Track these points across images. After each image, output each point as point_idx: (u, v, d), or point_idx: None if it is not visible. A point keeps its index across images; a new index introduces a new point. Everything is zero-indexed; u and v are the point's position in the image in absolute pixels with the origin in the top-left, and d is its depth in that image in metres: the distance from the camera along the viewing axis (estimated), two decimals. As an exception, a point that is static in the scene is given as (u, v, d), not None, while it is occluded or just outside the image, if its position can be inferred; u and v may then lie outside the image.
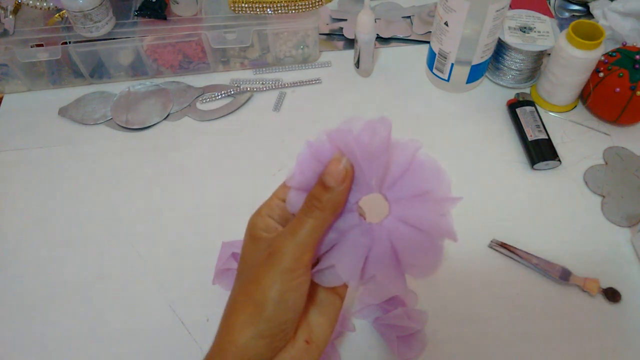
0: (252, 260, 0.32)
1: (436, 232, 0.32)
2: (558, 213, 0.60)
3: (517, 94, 0.68)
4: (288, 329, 0.31)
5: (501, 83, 0.71)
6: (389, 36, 0.78)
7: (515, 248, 0.56)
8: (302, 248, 0.30)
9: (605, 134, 0.66)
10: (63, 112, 0.70)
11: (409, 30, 0.79)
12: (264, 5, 0.66)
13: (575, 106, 0.69)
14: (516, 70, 0.69)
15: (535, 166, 0.62)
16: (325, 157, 0.30)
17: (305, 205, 0.30)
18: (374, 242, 0.32)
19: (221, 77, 0.74)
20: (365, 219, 0.33)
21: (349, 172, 0.30)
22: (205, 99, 0.71)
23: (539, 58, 0.68)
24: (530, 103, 0.67)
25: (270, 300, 0.29)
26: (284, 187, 0.34)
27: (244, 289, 0.31)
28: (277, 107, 0.71)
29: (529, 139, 0.63)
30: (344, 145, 0.30)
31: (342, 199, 0.30)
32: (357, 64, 0.72)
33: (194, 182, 0.64)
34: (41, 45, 0.67)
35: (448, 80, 0.70)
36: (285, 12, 0.67)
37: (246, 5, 0.66)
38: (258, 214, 0.33)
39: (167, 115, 0.70)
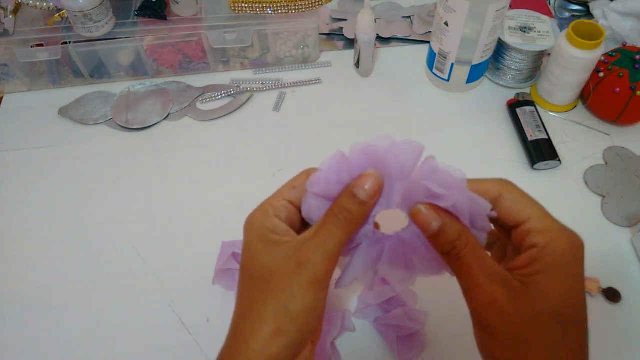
0: (270, 265, 0.31)
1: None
2: (558, 213, 0.58)
3: (517, 94, 0.68)
4: (311, 336, 0.31)
5: (501, 83, 0.71)
6: (389, 36, 0.78)
7: (515, 248, 0.56)
8: (331, 259, 0.30)
9: (605, 134, 0.66)
10: (63, 112, 0.70)
11: (409, 30, 0.79)
12: (264, 5, 0.66)
13: (575, 106, 0.69)
14: (516, 70, 0.69)
15: (535, 166, 0.62)
16: (356, 170, 0.30)
17: (333, 215, 0.30)
18: (385, 249, 0.32)
19: (221, 77, 0.74)
20: (379, 229, 0.33)
21: (381, 187, 0.30)
22: (205, 99, 0.71)
23: (539, 58, 0.68)
24: (530, 103, 0.67)
25: (304, 311, 0.29)
26: (290, 187, 0.33)
27: (271, 297, 0.30)
28: (277, 107, 0.71)
29: (529, 139, 0.63)
30: (380, 160, 0.30)
31: (369, 213, 0.31)
32: (357, 64, 0.72)
33: (194, 182, 0.64)
34: (41, 45, 0.67)
35: (448, 80, 0.70)
36: (285, 12, 0.67)
37: (246, 5, 0.66)
38: (264, 213, 0.32)
39: (167, 115, 0.70)
